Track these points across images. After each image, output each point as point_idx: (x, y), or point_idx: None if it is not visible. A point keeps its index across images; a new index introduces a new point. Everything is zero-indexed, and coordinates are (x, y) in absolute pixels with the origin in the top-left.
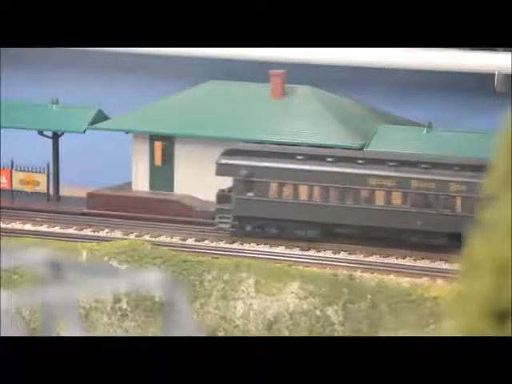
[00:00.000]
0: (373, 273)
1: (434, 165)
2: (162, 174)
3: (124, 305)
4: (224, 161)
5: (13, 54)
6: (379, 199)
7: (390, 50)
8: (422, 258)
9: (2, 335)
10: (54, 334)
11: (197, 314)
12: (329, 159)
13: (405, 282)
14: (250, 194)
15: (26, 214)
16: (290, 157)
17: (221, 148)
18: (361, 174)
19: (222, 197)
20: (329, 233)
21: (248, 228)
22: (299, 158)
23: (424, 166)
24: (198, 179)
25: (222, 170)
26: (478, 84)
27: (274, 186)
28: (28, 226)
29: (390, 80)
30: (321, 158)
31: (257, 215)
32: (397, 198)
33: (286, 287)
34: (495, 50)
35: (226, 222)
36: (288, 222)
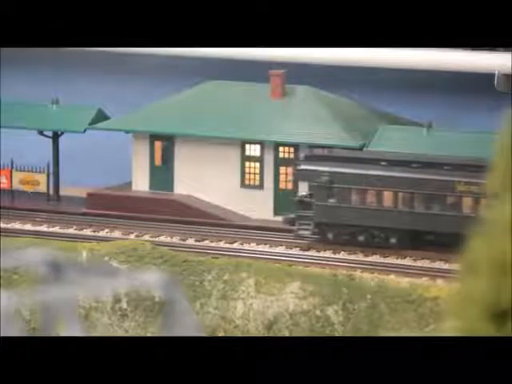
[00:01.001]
0: (373, 273)
1: None
2: (161, 174)
3: (124, 305)
4: (304, 166)
5: (12, 53)
6: (466, 206)
7: (390, 50)
8: (422, 258)
9: (2, 335)
10: (54, 334)
11: (197, 314)
12: (413, 165)
13: (405, 282)
14: (332, 201)
15: (26, 214)
16: (373, 162)
17: (221, 148)
18: (447, 181)
19: (303, 203)
20: (413, 240)
21: (329, 235)
22: (383, 163)
23: None
24: (198, 179)
25: (301, 176)
26: (478, 84)
27: (356, 193)
28: (28, 226)
29: (390, 80)
30: (405, 164)
31: (339, 222)
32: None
33: (286, 287)
34: (495, 50)
35: (306, 229)
36: (371, 229)
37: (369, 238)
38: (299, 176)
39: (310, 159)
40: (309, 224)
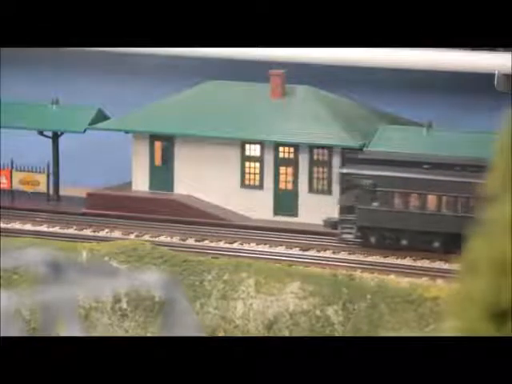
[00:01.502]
0: (373, 273)
1: None
2: (161, 174)
3: (124, 305)
4: (347, 170)
5: (12, 53)
6: None
7: (389, 51)
8: (422, 258)
9: (2, 335)
10: (54, 334)
11: (197, 314)
12: (457, 168)
13: (405, 282)
14: (375, 204)
15: (26, 214)
16: (417, 166)
17: (221, 148)
18: None
19: (346, 207)
20: (457, 244)
21: (372, 239)
22: (426, 166)
23: None
24: (198, 179)
25: (344, 180)
26: (478, 84)
27: (399, 196)
28: (28, 226)
29: (390, 80)
30: (448, 167)
31: (381, 226)
32: None
33: (286, 287)
34: (495, 50)
35: (349, 233)
36: (414, 233)
37: (412, 241)
38: (343, 180)
39: (352, 162)
40: (352, 228)
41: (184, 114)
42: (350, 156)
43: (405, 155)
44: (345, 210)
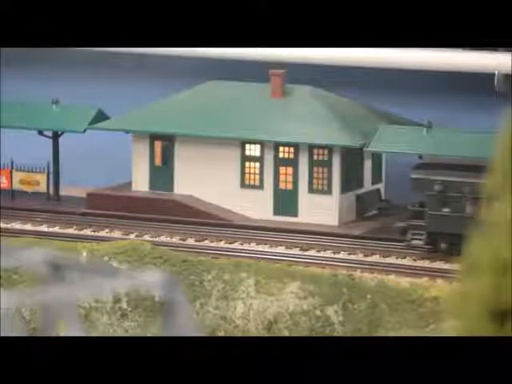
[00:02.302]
0: (373, 273)
1: None
2: (162, 174)
3: (124, 305)
4: (417, 175)
5: (12, 53)
6: None
7: (389, 51)
8: (422, 258)
9: (2, 335)
10: (54, 334)
11: (197, 314)
12: None
13: (405, 282)
14: (446, 210)
15: (26, 214)
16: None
17: (221, 148)
18: None
19: (415, 212)
20: None
21: (442, 245)
22: None
23: None
24: (198, 179)
25: (415, 185)
26: (478, 84)
27: (470, 202)
28: (28, 226)
29: (390, 80)
30: None
31: (452, 232)
32: None
33: (286, 287)
34: (495, 50)
35: (419, 239)
36: None
37: None
38: (413, 185)
39: (422, 168)
40: (421, 234)
41: (184, 113)
42: (420, 161)
43: (476, 160)
44: (414, 215)
